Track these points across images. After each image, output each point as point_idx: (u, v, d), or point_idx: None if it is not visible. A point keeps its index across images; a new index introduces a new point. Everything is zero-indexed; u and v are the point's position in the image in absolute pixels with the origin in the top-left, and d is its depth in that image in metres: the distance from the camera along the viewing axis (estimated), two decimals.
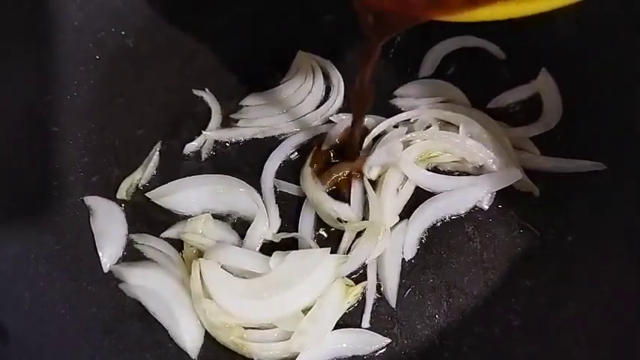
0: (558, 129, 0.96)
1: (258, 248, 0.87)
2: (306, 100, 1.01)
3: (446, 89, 1.01)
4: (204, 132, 0.97)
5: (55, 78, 1.00)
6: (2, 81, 0.93)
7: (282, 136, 0.98)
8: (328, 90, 1.03)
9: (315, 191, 0.89)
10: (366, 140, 0.94)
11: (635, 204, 0.86)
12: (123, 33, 1.09)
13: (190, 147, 0.97)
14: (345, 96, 1.02)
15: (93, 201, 0.91)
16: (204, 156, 0.96)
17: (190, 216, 0.89)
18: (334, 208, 0.88)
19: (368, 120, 0.96)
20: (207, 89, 1.02)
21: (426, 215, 0.89)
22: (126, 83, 1.04)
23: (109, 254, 0.87)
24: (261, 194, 0.91)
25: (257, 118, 1.00)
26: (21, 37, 0.98)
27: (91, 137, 0.98)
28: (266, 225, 0.88)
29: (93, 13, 1.07)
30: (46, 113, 0.97)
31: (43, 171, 0.93)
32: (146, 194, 0.90)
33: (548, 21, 0.97)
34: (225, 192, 0.91)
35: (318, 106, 1.01)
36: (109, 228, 0.89)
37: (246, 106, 1.02)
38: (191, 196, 0.90)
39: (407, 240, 0.87)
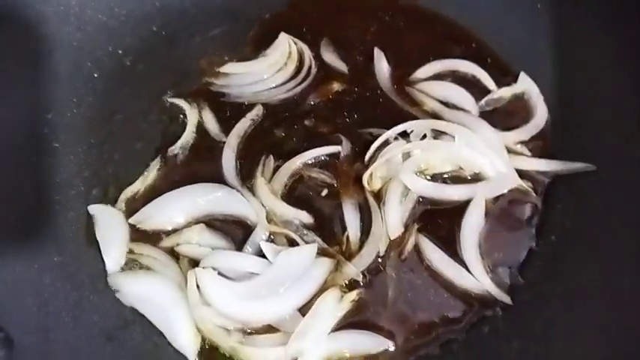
0: (547, 131, 1.01)
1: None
2: (276, 75, 1.09)
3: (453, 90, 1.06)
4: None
5: (55, 96, 1.03)
6: (4, 100, 0.96)
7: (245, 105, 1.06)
8: (299, 70, 1.10)
9: (273, 201, 0.93)
10: (368, 153, 0.97)
11: (620, 204, 0.89)
12: (120, 52, 1.12)
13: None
14: (313, 79, 1.10)
15: (97, 209, 0.94)
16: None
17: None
18: (295, 215, 0.91)
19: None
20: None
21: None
22: (123, 100, 1.07)
23: (113, 259, 0.89)
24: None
25: (229, 85, 1.08)
26: (22, 58, 1.02)
27: (90, 152, 1.01)
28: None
29: (91, 33, 1.11)
30: (48, 130, 1.00)
31: (45, 186, 0.95)
32: (129, 221, 0.92)
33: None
34: (204, 199, 0.93)
35: (285, 83, 1.09)
36: (112, 234, 0.91)
37: (225, 73, 1.10)
38: (172, 214, 0.93)
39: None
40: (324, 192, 0.96)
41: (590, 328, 0.80)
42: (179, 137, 1.02)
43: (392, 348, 0.82)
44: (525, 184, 0.94)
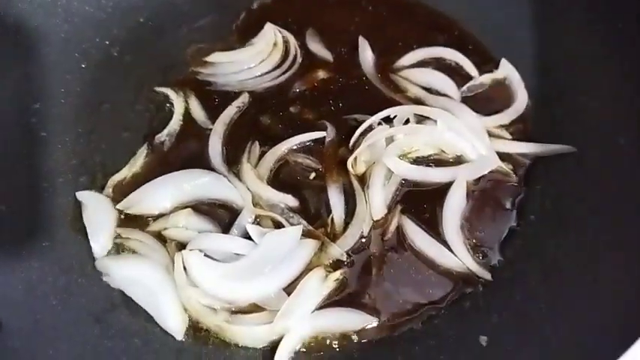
0: (528, 115, 1.03)
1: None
2: (261, 64, 1.11)
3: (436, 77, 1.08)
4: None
5: (43, 87, 1.04)
6: None
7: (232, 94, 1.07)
8: (285, 59, 1.12)
9: (259, 186, 0.94)
10: (352, 138, 0.99)
11: (598, 184, 0.90)
12: (107, 43, 1.13)
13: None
14: (298, 68, 1.11)
15: (84, 195, 0.95)
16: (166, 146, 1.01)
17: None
18: (280, 199, 0.93)
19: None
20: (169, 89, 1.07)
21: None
22: (111, 90, 1.08)
23: (100, 244, 0.90)
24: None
25: (215, 74, 1.10)
26: (10, 49, 1.03)
27: (78, 141, 1.02)
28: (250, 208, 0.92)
29: (78, 25, 1.12)
30: (36, 120, 1.01)
31: (33, 174, 0.96)
32: (117, 207, 0.93)
33: None
34: (191, 185, 0.94)
35: (270, 71, 1.10)
36: (100, 219, 0.92)
37: (211, 62, 1.11)
38: (159, 199, 0.93)
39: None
40: (310, 176, 0.97)
41: (568, 305, 0.80)
42: (166, 126, 1.03)
43: (375, 324, 0.83)
44: (506, 166, 0.96)
